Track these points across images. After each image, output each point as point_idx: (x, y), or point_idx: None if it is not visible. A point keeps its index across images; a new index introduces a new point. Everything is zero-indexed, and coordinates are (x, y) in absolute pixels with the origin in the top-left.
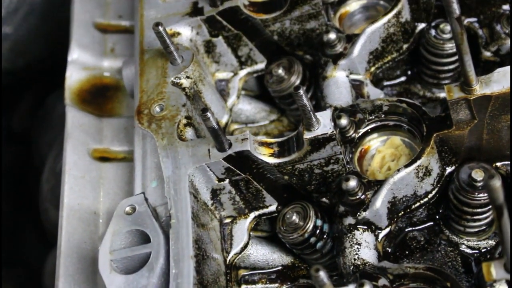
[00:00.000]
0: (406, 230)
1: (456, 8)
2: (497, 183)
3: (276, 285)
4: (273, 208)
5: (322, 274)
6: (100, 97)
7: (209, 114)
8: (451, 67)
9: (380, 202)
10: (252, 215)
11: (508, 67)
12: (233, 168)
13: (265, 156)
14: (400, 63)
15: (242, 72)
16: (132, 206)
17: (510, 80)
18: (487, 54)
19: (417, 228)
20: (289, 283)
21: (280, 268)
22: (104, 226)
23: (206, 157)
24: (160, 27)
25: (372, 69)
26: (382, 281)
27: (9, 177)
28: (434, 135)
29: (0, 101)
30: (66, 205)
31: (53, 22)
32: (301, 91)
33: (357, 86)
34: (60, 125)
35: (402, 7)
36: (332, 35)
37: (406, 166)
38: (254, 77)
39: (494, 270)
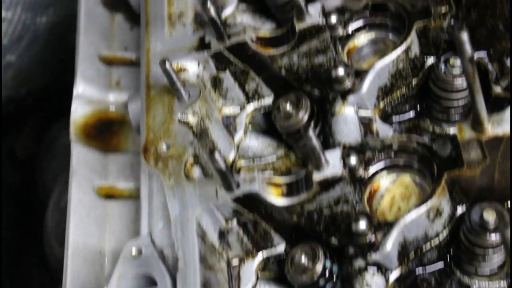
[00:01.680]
0: (417, 272)
1: (468, 48)
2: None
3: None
4: (281, 248)
5: (311, 132)
6: (106, 132)
7: (216, 156)
8: (461, 102)
9: (391, 244)
10: (260, 255)
11: None
12: (241, 209)
13: (273, 196)
14: (410, 98)
15: (250, 107)
16: (139, 249)
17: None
18: (498, 89)
19: (427, 269)
20: None
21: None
22: (109, 266)
23: (214, 198)
24: (167, 63)
25: (381, 104)
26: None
27: (13, 204)
28: (445, 175)
29: (0, 128)
30: (71, 244)
31: (56, 50)
32: (310, 132)
33: (366, 123)
34: (64, 155)
35: (412, 42)
36: (341, 71)
37: (417, 207)
38: (262, 112)
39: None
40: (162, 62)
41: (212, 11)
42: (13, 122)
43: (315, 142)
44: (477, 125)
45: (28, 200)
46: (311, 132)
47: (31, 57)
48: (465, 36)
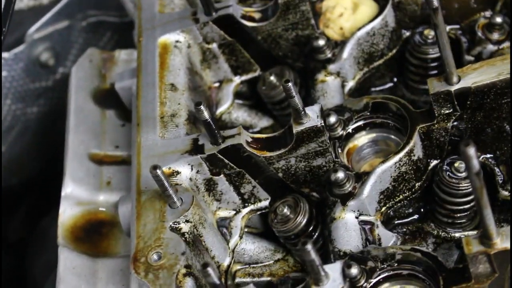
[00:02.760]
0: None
1: (476, 163)
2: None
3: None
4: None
5: (310, 247)
6: (95, 234)
7: (210, 270)
8: (466, 206)
9: None
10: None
11: None
12: None
13: None
14: (413, 201)
15: (245, 210)
16: None
17: None
18: (505, 193)
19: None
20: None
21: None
22: None
23: None
24: (158, 170)
25: (383, 209)
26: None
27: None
28: None
29: None
30: None
31: (47, 139)
32: (309, 246)
33: (367, 229)
34: (55, 250)
35: (414, 145)
36: (341, 174)
37: None
38: (258, 214)
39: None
40: (153, 169)
41: (206, 114)
42: (5, 208)
43: (314, 256)
44: (486, 239)
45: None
46: (309, 247)
47: (22, 147)
48: (472, 151)
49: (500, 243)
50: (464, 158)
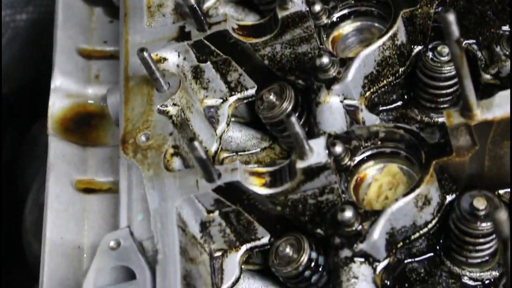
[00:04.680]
0: (406, 261)
1: (455, 30)
2: (503, 215)
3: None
4: (265, 240)
5: (294, 119)
6: (84, 125)
7: (196, 144)
8: (449, 90)
9: (378, 233)
10: (244, 247)
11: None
12: (223, 199)
13: (256, 186)
14: (396, 87)
15: (232, 99)
16: (117, 241)
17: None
18: (487, 76)
19: (417, 259)
20: None
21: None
22: (88, 262)
23: (194, 188)
24: (144, 52)
25: (367, 94)
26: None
27: None
28: (434, 162)
29: None
30: (48, 240)
31: (37, 47)
32: (293, 118)
33: (351, 112)
34: (45, 154)
35: (398, 29)
36: (325, 59)
37: (405, 195)
38: (245, 103)
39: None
40: (140, 51)
41: (192, 0)
42: None
43: (298, 129)
44: (466, 111)
45: (8, 201)
46: (293, 119)
47: (11, 55)
48: (451, 17)
49: (480, 114)
50: (444, 24)
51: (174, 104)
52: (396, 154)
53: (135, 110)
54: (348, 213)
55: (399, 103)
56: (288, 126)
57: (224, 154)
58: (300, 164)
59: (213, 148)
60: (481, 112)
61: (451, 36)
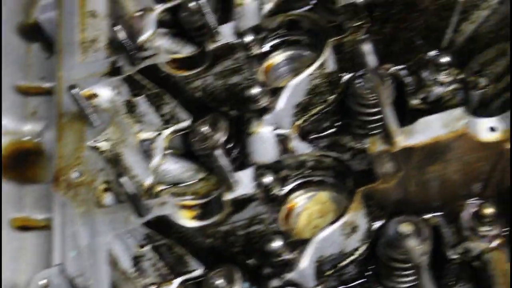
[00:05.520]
0: None
1: (371, 60)
2: (412, 243)
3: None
4: (198, 272)
5: (219, 152)
6: (22, 162)
7: (123, 180)
8: (379, 116)
9: (307, 262)
10: (177, 281)
11: (431, 117)
12: (154, 233)
13: (187, 219)
14: (328, 115)
15: (167, 131)
16: (48, 279)
17: None
18: (415, 102)
19: (348, 286)
20: None
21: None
22: None
23: (125, 224)
24: (74, 89)
25: (299, 122)
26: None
27: None
28: (359, 190)
29: None
30: None
31: None
32: (217, 152)
33: (282, 141)
34: None
35: (326, 58)
36: (255, 90)
37: (331, 224)
38: (180, 135)
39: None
40: (70, 88)
41: (122, 34)
42: None
43: (223, 161)
44: (387, 138)
45: None
46: (217, 152)
47: None
48: (367, 48)
49: (401, 141)
50: (361, 55)
51: (106, 140)
52: (324, 182)
53: (68, 147)
54: (276, 243)
55: (332, 130)
56: (213, 159)
57: (161, 187)
58: (228, 196)
59: (147, 182)
60: (402, 139)
61: (368, 66)
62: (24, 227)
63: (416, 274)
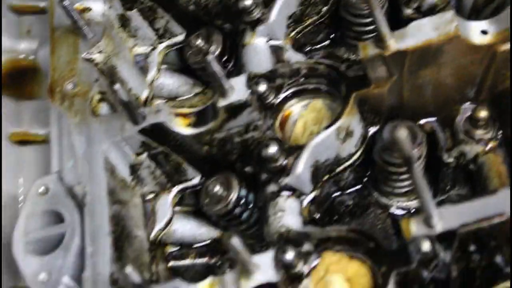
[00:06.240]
0: (334, 195)
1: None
2: (402, 134)
3: (206, 259)
4: (196, 180)
5: (235, 241)
6: (18, 80)
7: (117, 87)
8: (372, 27)
9: (302, 167)
10: (175, 189)
11: (422, 20)
12: (150, 141)
13: (181, 127)
14: (322, 27)
15: (161, 46)
16: (46, 186)
17: None
18: (409, 11)
19: (345, 192)
20: (218, 256)
21: (208, 242)
22: None
23: (120, 131)
24: (66, 2)
25: (292, 33)
26: (306, 246)
27: None
28: (353, 94)
29: None
30: None
31: None
32: (210, 57)
33: (276, 52)
34: None
35: None
36: (248, 1)
37: (326, 128)
38: (175, 50)
39: (414, 226)
40: (61, 1)
41: None
42: None
43: (216, 67)
44: (379, 42)
45: None
46: (211, 58)
47: None
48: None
49: (394, 44)
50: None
51: (100, 52)
52: (318, 89)
53: (61, 60)
54: (272, 149)
55: (326, 42)
56: (206, 66)
57: (157, 101)
58: (222, 103)
59: (143, 95)
60: (394, 43)
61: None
62: (23, 141)
63: (408, 169)
